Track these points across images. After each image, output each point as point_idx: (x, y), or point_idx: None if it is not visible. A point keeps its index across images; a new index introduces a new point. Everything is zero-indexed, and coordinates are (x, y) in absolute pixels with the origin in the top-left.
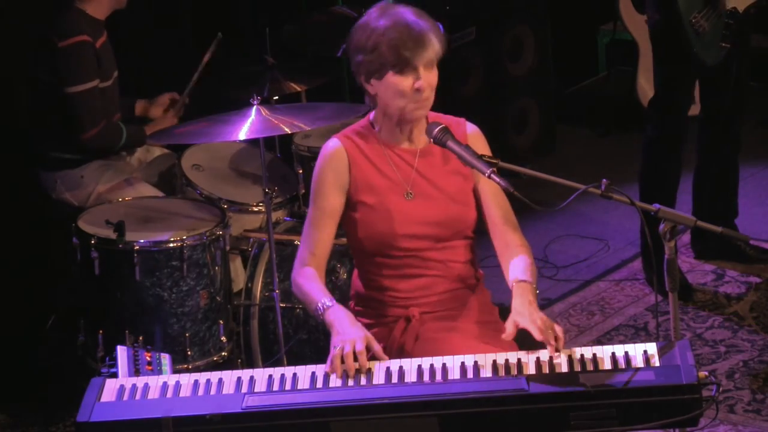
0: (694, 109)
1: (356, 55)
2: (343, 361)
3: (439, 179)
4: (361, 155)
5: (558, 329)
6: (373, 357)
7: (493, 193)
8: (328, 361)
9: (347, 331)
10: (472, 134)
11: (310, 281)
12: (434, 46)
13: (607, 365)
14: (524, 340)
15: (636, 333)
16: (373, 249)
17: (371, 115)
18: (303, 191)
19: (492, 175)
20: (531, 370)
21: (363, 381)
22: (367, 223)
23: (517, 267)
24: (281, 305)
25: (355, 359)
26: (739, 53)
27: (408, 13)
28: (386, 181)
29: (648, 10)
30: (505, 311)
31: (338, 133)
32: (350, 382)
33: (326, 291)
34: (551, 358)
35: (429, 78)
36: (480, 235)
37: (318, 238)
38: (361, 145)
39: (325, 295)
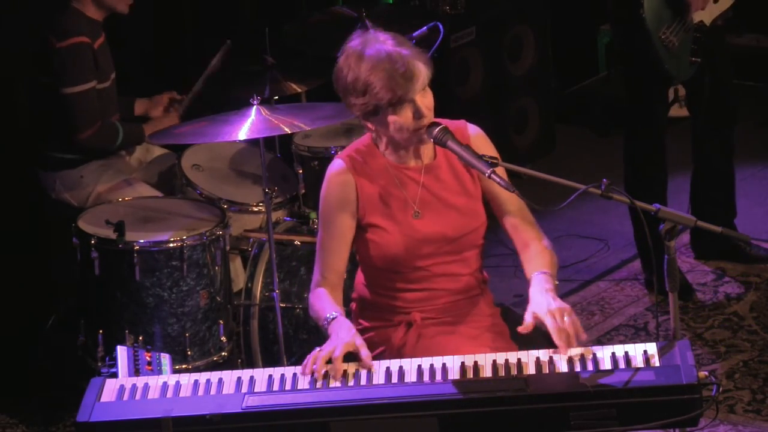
0: (686, 111)
1: (347, 97)
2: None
3: (446, 193)
4: (367, 176)
5: (568, 322)
6: (379, 357)
7: (505, 195)
8: (304, 362)
9: (335, 336)
10: (475, 135)
11: (320, 300)
12: (423, 73)
13: (607, 365)
14: (525, 341)
15: (636, 333)
16: (383, 266)
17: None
18: (303, 191)
19: (492, 175)
20: (531, 370)
21: (363, 381)
22: (378, 244)
23: (536, 261)
24: (281, 305)
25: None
26: (713, 65)
27: (388, 45)
28: (394, 202)
29: (613, 28)
30: (505, 312)
31: (341, 153)
32: (350, 382)
33: (334, 305)
34: (551, 358)
35: (425, 102)
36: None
37: (329, 263)
38: (366, 165)
39: (331, 309)
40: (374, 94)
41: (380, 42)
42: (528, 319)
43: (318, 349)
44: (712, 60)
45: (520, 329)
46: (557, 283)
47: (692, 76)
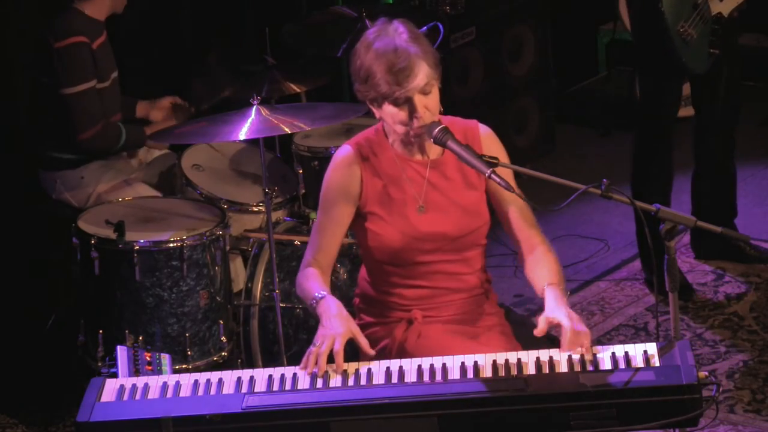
0: (690, 111)
1: (354, 82)
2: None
3: (451, 191)
4: (373, 165)
5: (585, 336)
6: (380, 354)
7: (508, 196)
8: (304, 358)
9: (330, 324)
10: (485, 136)
11: (308, 279)
12: (424, 73)
13: (607, 365)
14: (528, 342)
15: (636, 333)
16: (383, 258)
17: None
18: (303, 191)
19: (492, 175)
20: (531, 370)
21: (363, 381)
22: (378, 234)
23: (543, 270)
24: (281, 305)
25: (332, 360)
26: (728, 57)
27: (399, 38)
28: (399, 194)
29: (631, 19)
30: (507, 312)
31: (351, 140)
32: (350, 382)
33: (322, 285)
34: (551, 358)
35: (427, 102)
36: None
37: (323, 245)
38: (374, 154)
39: (318, 288)
40: (374, 84)
41: (394, 34)
42: (542, 324)
43: (314, 345)
44: (728, 53)
45: (537, 332)
46: (568, 292)
47: (709, 68)
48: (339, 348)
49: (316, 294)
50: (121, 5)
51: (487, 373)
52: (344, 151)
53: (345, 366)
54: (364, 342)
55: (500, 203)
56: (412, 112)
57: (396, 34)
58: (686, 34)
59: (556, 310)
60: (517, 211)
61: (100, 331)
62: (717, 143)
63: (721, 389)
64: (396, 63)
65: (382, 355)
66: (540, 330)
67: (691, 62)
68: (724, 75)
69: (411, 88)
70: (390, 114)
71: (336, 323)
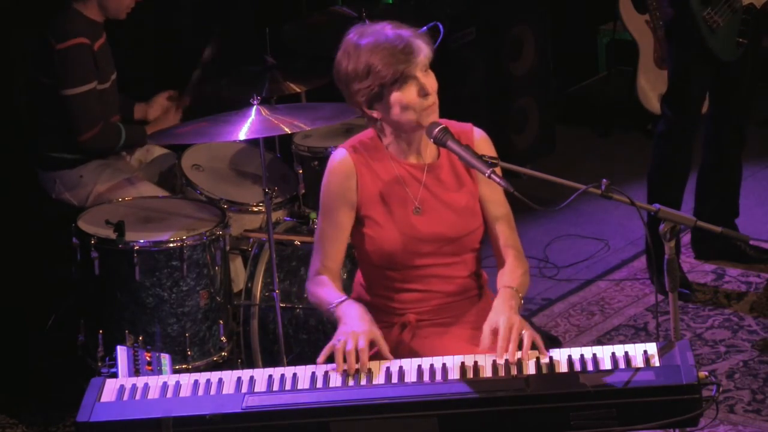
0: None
1: (351, 84)
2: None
3: (447, 194)
4: (369, 169)
5: (526, 338)
6: (378, 355)
7: (494, 200)
8: (323, 352)
9: (352, 324)
10: (479, 139)
11: (323, 286)
12: (424, 50)
13: (607, 365)
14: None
15: (636, 333)
16: (379, 262)
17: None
18: (303, 191)
19: (492, 175)
20: (531, 370)
21: (363, 381)
22: (375, 238)
23: (507, 275)
24: (281, 305)
25: (357, 358)
26: (754, 49)
27: (387, 27)
28: (395, 198)
29: (660, 5)
30: None
31: (345, 144)
32: (350, 382)
33: (340, 292)
34: (551, 357)
35: (430, 82)
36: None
37: (329, 252)
38: (369, 158)
39: (336, 294)
40: (377, 73)
41: (378, 28)
42: (485, 338)
43: (335, 341)
44: (755, 45)
45: (480, 347)
46: (522, 301)
47: (736, 59)
48: (364, 345)
49: (335, 300)
50: (122, 11)
51: (487, 373)
52: (340, 155)
53: (370, 365)
54: (384, 347)
55: (486, 208)
56: (421, 89)
57: (377, 28)
58: (712, 22)
59: (494, 315)
60: (501, 217)
61: (100, 331)
62: (730, 135)
63: (721, 389)
64: (396, 45)
65: (377, 358)
66: (483, 344)
67: (716, 49)
68: (749, 66)
69: (417, 62)
70: (398, 101)
71: (358, 323)
